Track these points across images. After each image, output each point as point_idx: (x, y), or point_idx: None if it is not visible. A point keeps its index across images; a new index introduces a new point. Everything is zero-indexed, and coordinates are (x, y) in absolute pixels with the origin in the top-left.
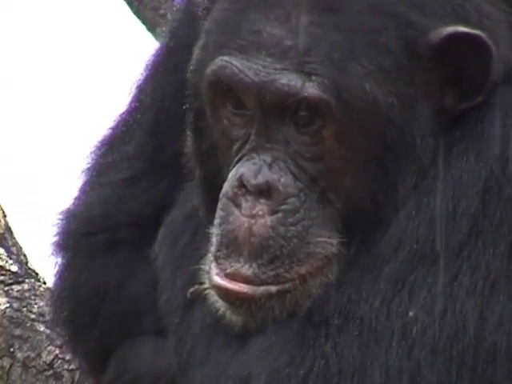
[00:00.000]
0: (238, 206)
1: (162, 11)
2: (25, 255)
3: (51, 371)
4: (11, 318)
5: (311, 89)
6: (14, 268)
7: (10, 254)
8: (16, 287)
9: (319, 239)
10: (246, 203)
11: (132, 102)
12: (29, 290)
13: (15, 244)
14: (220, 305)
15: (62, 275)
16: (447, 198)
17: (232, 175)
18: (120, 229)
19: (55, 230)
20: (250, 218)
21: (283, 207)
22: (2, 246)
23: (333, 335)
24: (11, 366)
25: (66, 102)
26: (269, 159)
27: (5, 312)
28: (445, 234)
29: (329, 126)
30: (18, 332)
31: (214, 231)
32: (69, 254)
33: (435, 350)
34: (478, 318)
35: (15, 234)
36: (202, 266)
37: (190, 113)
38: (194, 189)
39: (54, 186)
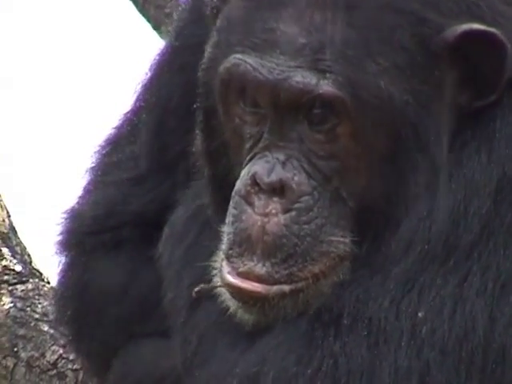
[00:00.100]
0: (251, 204)
1: (167, 10)
2: (29, 255)
3: (55, 371)
4: (15, 317)
5: (326, 86)
6: (18, 268)
7: (14, 253)
8: (20, 287)
9: (332, 238)
10: (258, 201)
11: (137, 101)
12: (33, 289)
13: (19, 244)
14: (232, 303)
15: (65, 274)
16: (459, 198)
17: (244, 173)
18: (124, 228)
19: (59, 229)
20: (263, 216)
21: (297, 205)
22: (6, 246)
23: (341, 335)
24: (15, 365)
25: (66, 102)
26: (282, 157)
27: (9, 312)
28: (456, 235)
29: (343, 124)
30: (21, 332)
31: (226, 229)
32: (72, 253)
33: (444, 351)
34: (487, 319)
35: (19, 234)
36: (210, 265)
37: (200, 111)
38: (200, 188)
39: (53, 186)
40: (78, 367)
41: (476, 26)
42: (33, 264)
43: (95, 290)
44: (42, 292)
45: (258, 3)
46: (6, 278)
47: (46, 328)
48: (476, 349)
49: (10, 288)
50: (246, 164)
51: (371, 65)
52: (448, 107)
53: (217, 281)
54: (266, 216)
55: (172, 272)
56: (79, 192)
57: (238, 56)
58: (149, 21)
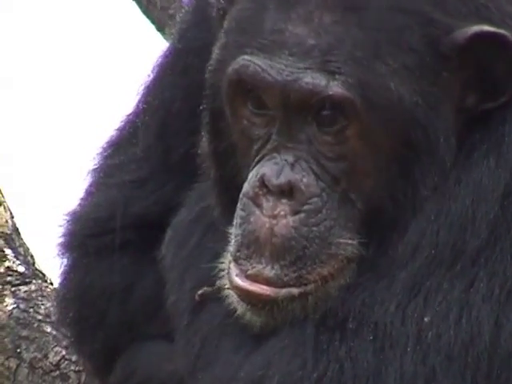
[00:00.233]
0: (259, 206)
1: (171, 11)
2: (32, 256)
3: (58, 372)
4: (18, 318)
5: (336, 87)
6: (21, 269)
7: (17, 254)
8: (23, 288)
9: (341, 240)
10: (267, 203)
11: (139, 103)
12: (36, 290)
13: (22, 245)
14: (240, 306)
15: (67, 276)
16: (467, 202)
17: (253, 175)
18: (127, 230)
19: (61, 230)
20: (272, 218)
21: (305, 207)
22: (10, 247)
23: (347, 339)
24: (18, 366)
25: (67, 103)
26: (291, 159)
27: (12, 313)
28: (463, 240)
29: (352, 125)
30: (24, 333)
31: (234, 231)
32: (74, 254)
33: (450, 356)
34: (493, 325)
35: (22, 235)
36: (214, 267)
37: (207, 113)
38: (204, 190)
39: (53, 186)
40: (81, 368)
41: (486, 27)
42: (36, 265)
43: (97, 292)
44: (45, 293)
45: (266, 4)
46: (9, 279)
47: (48, 329)
48: (482, 354)
49: (13, 289)
50: (254, 166)
51: (381, 66)
52: (456, 109)
53: (224, 283)
54: (275, 218)
55: (175, 274)
56: (81, 194)
57: (247, 57)
58: (153, 22)
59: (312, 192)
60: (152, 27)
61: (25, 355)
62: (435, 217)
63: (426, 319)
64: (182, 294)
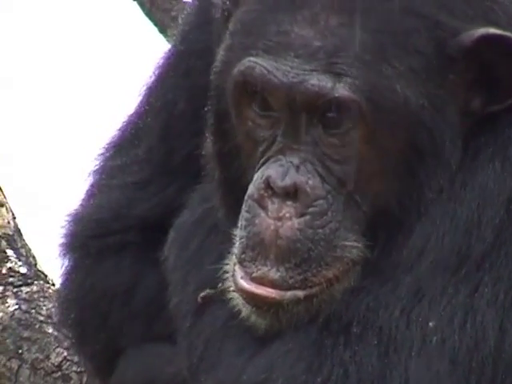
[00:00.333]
0: (264, 208)
1: (173, 13)
2: (34, 257)
3: (59, 373)
4: (20, 319)
5: (342, 89)
6: (23, 270)
7: (19, 255)
8: (25, 289)
9: (346, 243)
10: (272, 205)
11: (141, 104)
12: (38, 291)
13: (24, 246)
14: (244, 308)
15: (69, 277)
16: (472, 206)
17: (258, 177)
18: (129, 232)
19: (63, 231)
20: (277, 220)
21: (311, 210)
22: (11, 248)
23: (351, 343)
24: (19, 367)
25: (67, 103)
26: (296, 161)
27: (13, 314)
28: (468, 244)
29: (358, 128)
30: (26, 334)
31: (239, 233)
32: (76, 255)
33: (455, 361)
34: (498, 330)
35: (24, 236)
36: (218, 269)
37: (212, 115)
38: (207, 191)
39: (53, 186)
40: (83, 369)
41: (493, 30)
42: (38, 266)
43: (99, 293)
44: (46, 294)
45: (272, 6)
46: (10, 280)
47: (50, 330)
48: (486, 359)
49: (15, 290)
50: (259, 167)
51: (387, 68)
52: (462, 112)
53: (229, 285)
54: (280, 220)
55: (177, 276)
56: (82, 195)
57: (252, 59)
58: (155, 24)
59: (317, 194)
60: (154, 29)
61: (26, 356)
62: (440, 220)
63: (430, 324)
64: (184, 295)
